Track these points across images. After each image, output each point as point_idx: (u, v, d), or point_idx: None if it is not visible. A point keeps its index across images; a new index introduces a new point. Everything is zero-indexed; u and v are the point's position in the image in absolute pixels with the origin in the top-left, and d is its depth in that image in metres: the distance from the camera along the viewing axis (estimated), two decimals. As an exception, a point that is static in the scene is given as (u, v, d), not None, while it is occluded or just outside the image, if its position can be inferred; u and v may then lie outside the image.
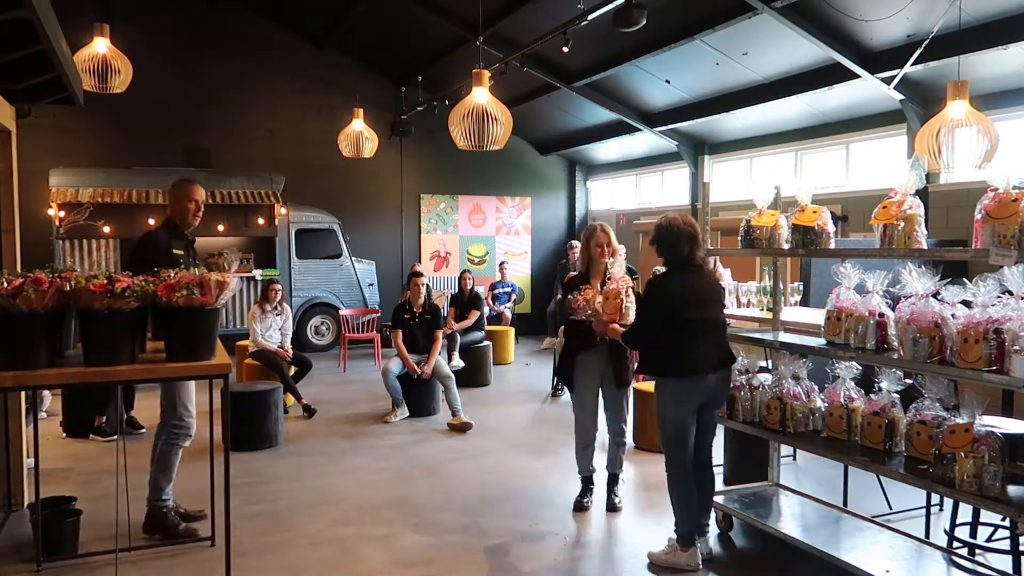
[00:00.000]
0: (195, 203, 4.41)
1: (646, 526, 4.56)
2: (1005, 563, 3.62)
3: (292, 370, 7.57)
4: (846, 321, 3.59)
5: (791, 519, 4.24)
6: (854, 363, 3.75)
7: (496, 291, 11.97)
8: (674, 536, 3.93)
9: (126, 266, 4.02)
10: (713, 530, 4.39)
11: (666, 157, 11.83)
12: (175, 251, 4.23)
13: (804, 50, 7.52)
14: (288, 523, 4.53)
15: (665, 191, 12.45)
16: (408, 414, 7.21)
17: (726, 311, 5.74)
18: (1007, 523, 3.89)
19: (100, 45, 5.85)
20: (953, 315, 3.16)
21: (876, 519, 4.19)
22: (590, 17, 7.27)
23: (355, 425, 6.99)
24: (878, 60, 7.21)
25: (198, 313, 3.24)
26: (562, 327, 5.05)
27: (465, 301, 9.59)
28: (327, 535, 4.35)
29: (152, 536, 4.22)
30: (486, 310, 10.42)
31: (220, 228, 11.05)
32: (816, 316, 4.39)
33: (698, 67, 8.87)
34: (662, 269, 4.09)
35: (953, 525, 3.97)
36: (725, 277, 5.42)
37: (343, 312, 10.98)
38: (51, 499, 4.15)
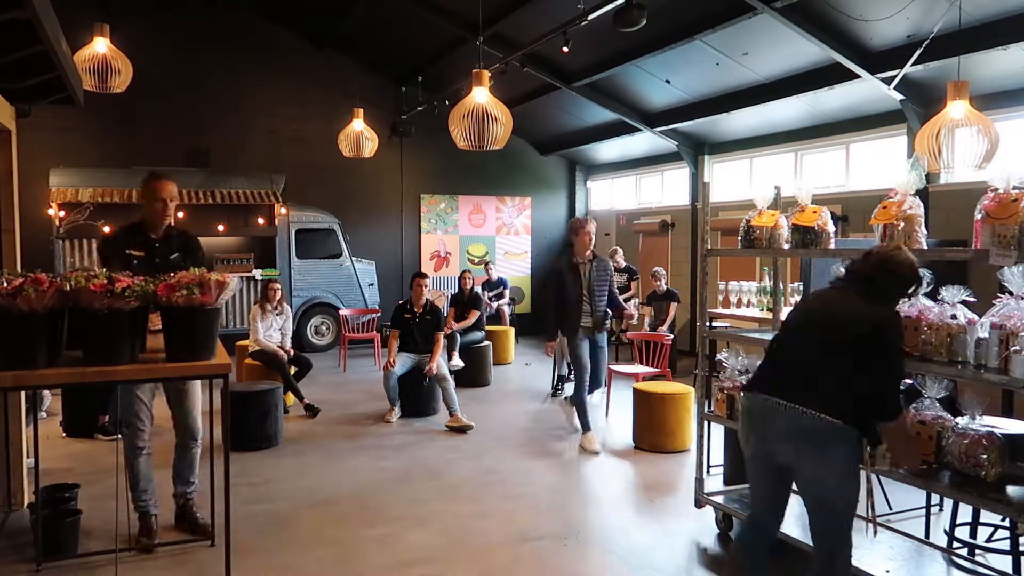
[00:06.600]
0: (163, 202, 4.10)
1: (646, 525, 4.56)
2: (1005, 563, 3.62)
3: (292, 370, 7.57)
4: (846, 321, 3.59)
5: (791, 519, 4.22)
6: (854, 363, 3.74)
7: (489, 293, 11.90)
8: None
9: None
10: (713, 530, 4.41)
11: (666, 157, 11.83)
12: (130, 251, 3.99)
13: (804, 50, 7.52)
14: (288, 523, 4.53)
15: (665, 191, 12.45)
16: (400, 415, 7.22)
17: (724, 311, 5.79)
18: (1007, 523, 3.89)
19: (100, 45, 5.86)
20: (953, 315, 3.16)
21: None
22: (590, 17, 7.27)
23: (355, 425, 6.99)
24: (878, 60, 7.20)
25: (198, 313, 3.24)
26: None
27: (465, 301, 9.59)
28: (327, 535, 4.35)
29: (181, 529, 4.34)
30: (486, 311, 10.41)
31: (220, 228, 11.05)
32: (816, 316, 4.38)
33: (698, 67, 8.87)
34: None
35: (953, 525, 3.97)
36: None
37: (343, 312, 10.98)
38: (54, 486, 4.20)
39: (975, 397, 3.18)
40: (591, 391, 6.31)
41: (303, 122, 12.39)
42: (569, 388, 8.60)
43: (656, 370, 7.32)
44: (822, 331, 2.95)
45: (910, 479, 3.25)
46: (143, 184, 4.19)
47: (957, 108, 4.79)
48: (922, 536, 4.02)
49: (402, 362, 7.29)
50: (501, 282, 12.16)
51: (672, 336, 8.20)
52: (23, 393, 4.67)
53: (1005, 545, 3.87)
